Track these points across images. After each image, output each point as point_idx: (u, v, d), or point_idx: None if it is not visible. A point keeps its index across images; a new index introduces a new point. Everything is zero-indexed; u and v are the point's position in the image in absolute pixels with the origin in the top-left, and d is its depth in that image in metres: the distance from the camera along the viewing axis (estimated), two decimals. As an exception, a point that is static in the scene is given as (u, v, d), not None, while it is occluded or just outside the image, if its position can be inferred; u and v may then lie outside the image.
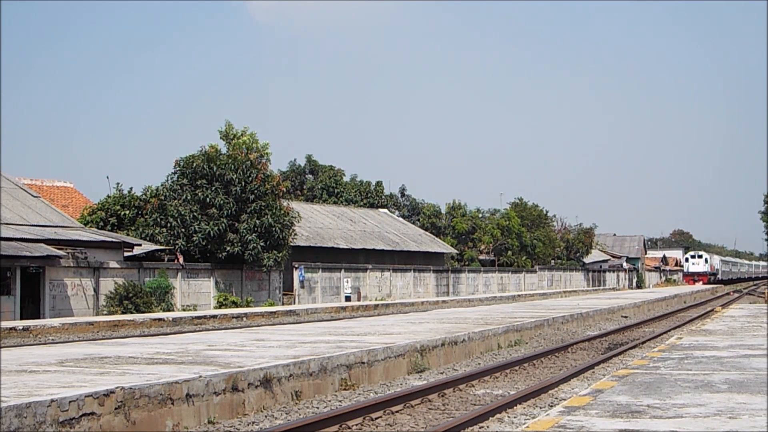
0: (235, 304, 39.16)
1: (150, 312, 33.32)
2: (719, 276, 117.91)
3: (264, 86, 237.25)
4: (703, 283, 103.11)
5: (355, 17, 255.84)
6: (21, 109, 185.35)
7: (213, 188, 40.00)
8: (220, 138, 56.65)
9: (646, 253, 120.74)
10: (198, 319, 31.25)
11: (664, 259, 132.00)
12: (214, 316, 32.08)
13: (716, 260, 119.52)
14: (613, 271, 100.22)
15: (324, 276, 48.94)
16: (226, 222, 39.59)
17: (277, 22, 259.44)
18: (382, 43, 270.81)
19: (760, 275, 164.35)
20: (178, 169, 41.22)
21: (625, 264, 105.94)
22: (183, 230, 39.32)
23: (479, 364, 17.50)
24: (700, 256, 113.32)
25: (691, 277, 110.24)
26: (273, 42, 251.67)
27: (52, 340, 23.92)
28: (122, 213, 41.15)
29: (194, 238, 39.22)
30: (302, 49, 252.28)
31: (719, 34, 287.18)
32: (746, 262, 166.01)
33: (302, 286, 46.90)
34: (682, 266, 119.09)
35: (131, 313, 32.60)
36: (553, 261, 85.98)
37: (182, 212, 39.30)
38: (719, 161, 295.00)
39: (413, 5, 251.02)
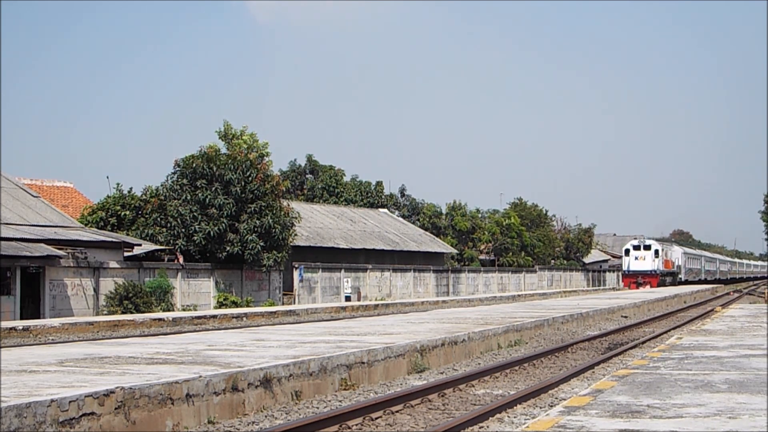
0: (235, 304, 39.17)
1: (150, 312, 33.32)
2: (681, 276, 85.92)
3: (264, 86, 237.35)
4: (652, 287, 72.23)
5: (355, 17, 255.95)
6: (21, 108, 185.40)
7: (213, 188, 40.01)
8: (219, 138, 56.67)
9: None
10: (198, 319, 31.25)
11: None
12: (214, 316, 32.08)
13: (677, 253, 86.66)
14: (613, 271, 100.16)
15: (324, 276, 48.94)
16: (226, 222, 39.60)
17: (277, 21, 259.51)
18: (383, 43, 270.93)
19: (747, 276, 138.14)
20: (177, 169, 41.25)
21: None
22: (183, 230, 39.34)
23: (479, 364, 17.49)
24: (647, 248, 76.71)
25: (633, 278, 75.38)
26: (273, 42, 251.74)
27: (52, 340, 23.93)
28: (122, 213, 41.15)
29: (194, 238, 39.23)
30: (302, 49, 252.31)
31: (719, 34, 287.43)
32: (726, 258, 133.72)
33: (302, 286, 46.90)
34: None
35: (131, 313, 32.60)
36: (553, 261, 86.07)
37: (182, 212, 39.32)
38: (719, 161, 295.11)
39: (413, 5, 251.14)
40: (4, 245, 29.65)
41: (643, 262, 75.65)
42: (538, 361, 17.81)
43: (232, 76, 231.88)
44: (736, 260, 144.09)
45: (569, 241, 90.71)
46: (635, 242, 78.11)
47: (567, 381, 14.52)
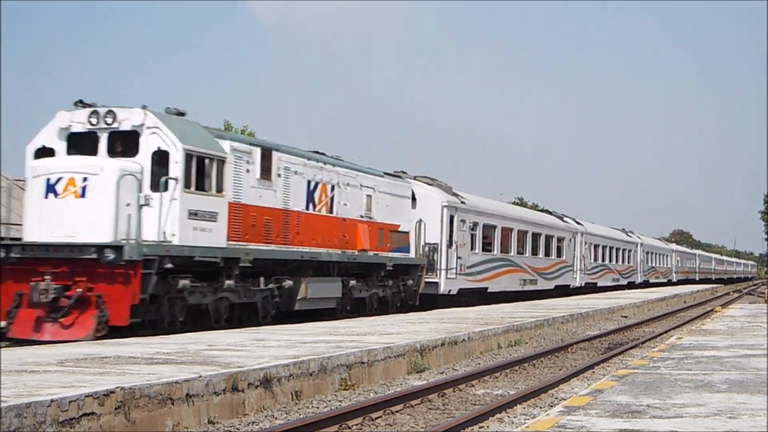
0: (235, 304, 39.10)
1: (150, 312, 33.24)
2: (443, 286, 31.84)
3: (265, 86, 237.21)
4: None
5: (355, 17, 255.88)
6: (21, 108, 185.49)
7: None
8: (219, 138, 56.65)
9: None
10: (198, 319, 31.16)
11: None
12: (214, 316, 31.99)
13: (437, 200, 31.34)
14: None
15: (324, 276, 48.85)
16: (226, 222, 39.59)
17: (279, 21, 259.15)
18: (384, 43, 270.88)
19: (722, 277, 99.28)
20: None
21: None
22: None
23: (479, 364, 17.50)
24: (119, 137, 17.99)
25: None
26: (275, 41, 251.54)
27: (52, 339, 23.88)
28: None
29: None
30: (304, 49, 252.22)
31: (720, 34, 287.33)
32: (678, 249, 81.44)
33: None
34: None
35: (131, 312, 32.53)
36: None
37: (182, 212, 39.31)
38: (719, 161, 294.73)
39: (415, 5, 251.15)
40: (4, 245, 29.62)
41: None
42: (538, 361, 17.82)
43: (233, 75, 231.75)
44: (697, 252, 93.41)
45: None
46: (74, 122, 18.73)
47: (567, 381, 14.53)
